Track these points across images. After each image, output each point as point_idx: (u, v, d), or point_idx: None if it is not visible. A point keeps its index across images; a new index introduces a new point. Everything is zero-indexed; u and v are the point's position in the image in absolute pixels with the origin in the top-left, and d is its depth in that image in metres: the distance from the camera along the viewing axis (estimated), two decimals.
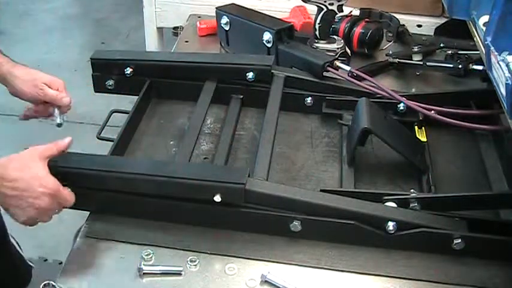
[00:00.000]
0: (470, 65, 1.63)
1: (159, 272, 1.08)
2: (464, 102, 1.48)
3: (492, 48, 0.98)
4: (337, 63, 1.52)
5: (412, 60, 1.70)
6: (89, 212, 1.19)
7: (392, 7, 1.94)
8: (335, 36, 1.74)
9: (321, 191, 1.20)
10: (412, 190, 1.24)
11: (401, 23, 1.88)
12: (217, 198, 1.11)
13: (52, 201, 1.05)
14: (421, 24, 1.98)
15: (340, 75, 1.51)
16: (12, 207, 1.02)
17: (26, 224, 1.06)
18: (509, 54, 0.93)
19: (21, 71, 1.32)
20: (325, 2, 1.66)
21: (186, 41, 1.93)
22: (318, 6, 1.68)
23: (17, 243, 1.54)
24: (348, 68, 1.52)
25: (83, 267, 1.09)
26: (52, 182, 1.04)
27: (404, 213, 1.14)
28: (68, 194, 1.08)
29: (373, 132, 1.30)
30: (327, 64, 1.50)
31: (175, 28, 2.18)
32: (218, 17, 1.79)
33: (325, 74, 1.52)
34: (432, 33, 1.91)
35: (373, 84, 1.46)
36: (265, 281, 1.07)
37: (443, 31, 1.87)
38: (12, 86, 1.31)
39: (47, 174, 1.05)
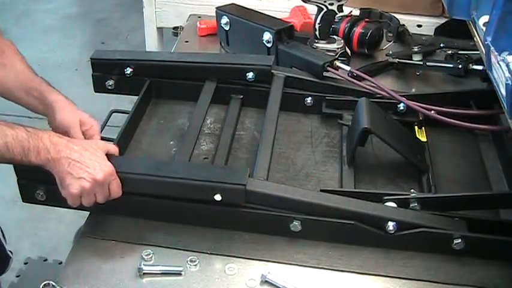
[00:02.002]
0: (470, 65, 1.63)
1: (159, 272, 1.08)
2: (464, 102, 1.48)
3: (492, 48, 0.98)
4: (337, 63, 1.52)
5: (412, 60, 1.70)
6: (89, 212, 1.19)
7: (392, 7, 1.94)
8: (335, 36, 1.74)
9: (321, 191, 1.20)
10: (412, 190, 1.24)
11: (401, 23, 1.88)
12: (218, 197, 1.11)
13: (106, 180, 1.08)
14: (421, 24, 1.98)
15: (340, 75, 1.51)
16: (70, 176, 1.06)
17: (73, 199, 1.09)
18: (509, 54, 0.93)
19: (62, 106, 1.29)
20: (325, 2, 1.66)
21: (186, 41, 1.93)
22: (318, 6, 1.68)
23: (2, 232, 1.54)
24: (347, 68, 1.52)
25: (83, 267, 1.08)
26: (110, 165, 1.10)
27: (404, 213, 1.14)
28: (118, 184, 1.11)
29: (373, 132, 1.30)
30: (327, 64, 1.50)
31: (175, 28, 2.18)
32: (218, 17, 1.79)
33: (325, 74, 1.52)
34: (432, 33, 1.91)
35: (373, 84, 1.46)
36: (265, 281, 1.06)
37: (443, 31, 1.87)
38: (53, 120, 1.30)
39: (106, 158, 1.11)
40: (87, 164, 1.07)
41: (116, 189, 1.11)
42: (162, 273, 1.08)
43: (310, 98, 1.51)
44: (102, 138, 1.37)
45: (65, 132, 1.23)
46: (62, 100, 1.29)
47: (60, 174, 1.07)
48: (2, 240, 1.54)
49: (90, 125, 1.29)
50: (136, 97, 1.48)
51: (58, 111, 1.27)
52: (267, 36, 1.64)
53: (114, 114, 1.48)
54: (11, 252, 1.57)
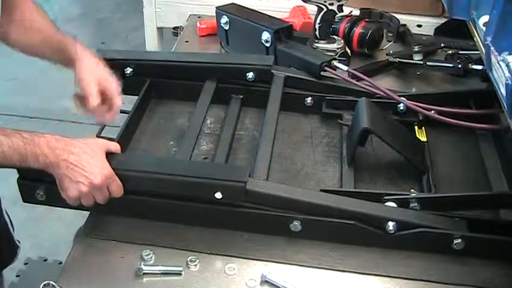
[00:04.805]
0: (470, 65, 1.63)
1: (159, 272, 1.08)
2: (464, 102, 1.48)
3: (492, 48, 0.98)
4: (335, 63, 1.52)
5: (412, 60, 1.70)
6: (89, 212, 1.19)
7: (392, 7, 1.94)
8: (335, 36, 1.74)
9: (321, 191, 1.20)
10: (412, 190, 1.24)
11: (402, 23, 1.88)
12: (218, 195, 1.11)
13: (104, 183, 1.08)
14: (421, 24, 1.98)
15: (338, 75, 1.51)
16: (68, 179, 1.06)
17: (71, 201, 1.09)
18: (509, 54, 0.93)
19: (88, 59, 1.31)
20: (325, 2, 1.66)
21: (186, 41, 1.93)
22: (318, 6, 1.68)
23: (11, 221, 1.55)
24: (345, 67, 1.52)
25: (83, 267, 1.09)
26: (109, 168, 1.09)
27: (404, 213, 1.14)
28: (118, 185, 1.11)
29: (373, 132, 1.30)
30: (325, 64, 1.50)
31: (175, 28, 2.18)
32: (218, 16, 1.79)
33: (325, 74, 1.51)
34: (432, 33, 1.91)
35: (371, 84, 1.46)
36: (265, 281, 1.06)
37: (443, 31, 1.87)
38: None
39: (105, 160, 1.10)
40: (85, 168, 1.06)
41: (116, 190, 1.11)
42: (162, 273, 1.08)
43: (310, 98, 1.51)
44: (103, 138, 1.37)
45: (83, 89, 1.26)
46: (82, 58, 1.29)
47: (59, 178, 1.07)
48: (10, 229, 1.55)
49: (106, 88, 1.28)
50: (136, 97, 1.48)
51: (77, 69, 1.28)
52: (265, 35, 1.64)
53: None
54: (18, 241, 1.58)
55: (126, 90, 1.54)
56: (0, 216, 1.52)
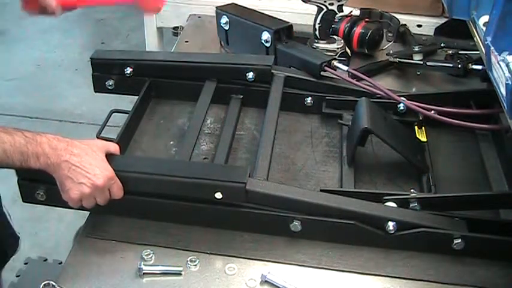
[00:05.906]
0: (470, 64, 1.63)
1: (159, 272, 1.08)
2: (464, 102, 1.48)
3: (492, 48, 0.98)
4: (335, 63, 1.52)
5: (412, 60, 1.70)
6: (89, 212, 1.19)
7: (392, 7, 1.94)
8: (335, 36, 1.74)
9: (321, 191, 1.20)
10: (412, 190, 1.24)
11: (402, 23, 1.88)
12: (218, 195, 1.11)
13: (106, 184, 1.08)
14: (421, 24, 1.98)
15: (338, 75, 1.51)
16: (70, 181, 1.06)
17: (73, 202, 1.09)
18: (509, 54, 0.93)
19: None
20: (325, 2, 1.66)
21: (186, 41, 1.93)
22: (318, 6, 1.68)
23: (8, 214, 1.56)
24: (345, 68, 1.52)
25: (83, 267, 1.09)
26: (111, 169, 1.10)
27: (404, 213, 1.14)
28: (119, 186, 1.11)
29: (373, 132, 1.30)
30: (325, 64, 1.50)
31: (175, 28, 2.18)
32: (218, 16, 1.79)
33: (325, 74, 1.51)
34: (432, 33, 1.91)
35: (370, 84, 1.46)
36: (265, 281, 1.07)
37: (443, 31, 1.87)
38: None
39: (106, 161, 1.11)
40: (87, 169, 1.07)
41: (117, 192, 1.11)
42: (162, 273, 1.08)
43: (310, 98, 1.51)
44: (102, 138, 1.37)
45: None
46: None
47: (60, 179, 1.07)
48: (10, 221, 1.56)
49: None
50: (136, 97, 1.48)
51: None
52: (265, 35, 1.64)
53: (114, 114, 1.48)
54: (18, 232, 1.59)
55: (126, 90, 1.55)
56: (0, 207, 1.52)
